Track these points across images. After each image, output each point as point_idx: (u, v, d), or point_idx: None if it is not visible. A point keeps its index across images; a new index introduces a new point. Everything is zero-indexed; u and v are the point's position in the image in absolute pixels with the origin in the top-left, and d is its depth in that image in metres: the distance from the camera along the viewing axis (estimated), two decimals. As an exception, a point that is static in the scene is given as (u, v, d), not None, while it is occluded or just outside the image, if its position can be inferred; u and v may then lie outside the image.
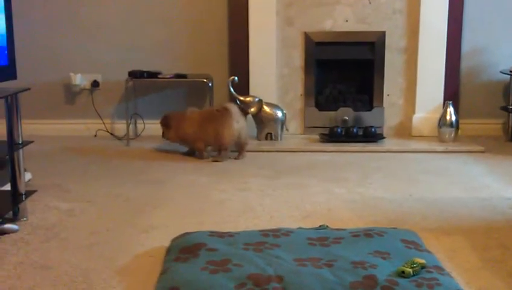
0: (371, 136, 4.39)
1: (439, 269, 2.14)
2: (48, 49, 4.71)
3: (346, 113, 4.59)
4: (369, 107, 4.64)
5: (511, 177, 3.59)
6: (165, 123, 4.14)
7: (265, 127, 4.42)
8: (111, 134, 4.70)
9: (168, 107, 4.73)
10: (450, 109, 4.38)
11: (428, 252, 2.31)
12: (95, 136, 4.73)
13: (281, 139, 4.45)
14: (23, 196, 2.93)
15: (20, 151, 2.91)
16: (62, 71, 4.72)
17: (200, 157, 4.03)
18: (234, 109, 4.00)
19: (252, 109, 4.38)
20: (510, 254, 2.45)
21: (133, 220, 2.87)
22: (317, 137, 4.47)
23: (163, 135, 4.20)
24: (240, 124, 3.99)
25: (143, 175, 3.65)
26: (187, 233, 2.51)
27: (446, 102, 4.42)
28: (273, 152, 4.22)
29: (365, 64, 4.66)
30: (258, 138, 4.46)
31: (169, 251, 2.36)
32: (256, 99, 4.38)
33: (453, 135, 4.38)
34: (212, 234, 2.46)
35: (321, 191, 3.31)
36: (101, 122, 4.73)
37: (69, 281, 2.21)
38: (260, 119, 4.41)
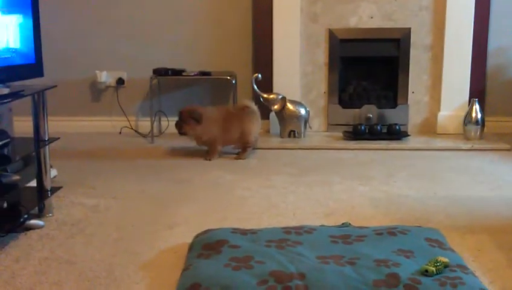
0: (395, 133, 4.36)
1: (463, 268, 2.12)
2: (74, 47, 4.77)
3: (370, 111, 4.56)
4: (394, 104, 4.61)
5: (539, 175, 3.54)
6: (197, 117, 3.87)
7: (289, 124, 4.42)
8: (135, 131, 4.74)
9: (192, 104, 4.76)
10: (476, 107, 4.32)
11: (452, 251, 2.28)
12: (120, 133, 4.77)
13: (304, 137, 4.44)
14: (49, 192, 2.97)
15: (46, 148, 2.94)
16: (88, 69, 4.77)
17: (211, 158, 3.93)
18: (254, 106, 4.00)
19: (276, 106, 4.38)
20: (537, 254, 2.42)
21: (157, 216, 2.89)
22: (341, 135, 4.45)
23: (182, 129, 3.91)
24: (259, 122, 4.01)
25: (167, 172, 3.67)
26: (210, 230, 2.52)
27: (472, 99, 4.37)
28: (296, 149, 4.21)
29: (390, 62, 4.63)
30: (281, 135, 4.45)
31: (192, 247, 2.37)
32: (280, 97, 4.38)
33: (478, 132, 4.32)
34: (235, 231, 2.47)
35: (344, 189, 3.29)
36: (126, 119, 4.77)
37: (93, 276, 2.23)
38: (283, 116, 4.41)
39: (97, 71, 4.75)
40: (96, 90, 4.83)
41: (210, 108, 4.07)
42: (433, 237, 2.38)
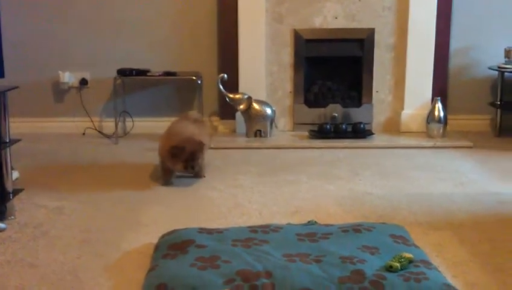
0: (359, 132, 4.40)
1: (427, 263, 2.15)
2: (36, 48, 4.69)
3: (335, 110, 4.60)
4: (358, 103, 4.65)
5: (499, 172, 3.61)
6: (203, 149, 3.38)
7: (255, 124, 4.42)
8: (99, 132, 4.68)
9: (157, 105, 4.73)
10: (439, 105, 4.39)
11: (416, 246, 2.32)
12: (84, 134, 4.70)
13: (270, 136, 4.45)
14: (11, 194, 2.91)
15: (8, 149, 2.89)
16: (50, 69, 4.69)
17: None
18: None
19: (241, 106, 4.38)
20: (498, 248, 2.47)
21: (122, 218, 2.86)
22: (307, 134, 4.48)
23: (197, 166, 3.35)
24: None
25: (132, 173, 3.64)
26: (176, 230, 2.50)
27: (434, 98, 4.44)
28: (263, 149, 4.22)
29: (354, 61, 4.67)
30: (247, 135, 4.45)
31: (157, 247, 2.35)
32: (246, 97, 4.38)
33: (441, 130, 4.39)
34: (201, 230, 2.46)
35: (310, 188, 3.31)
36: (90, 120, 4.71)
37: (56, 279, 2.20)
38: (249, 116, 4.41)
39: (60, 72, 4.67)
40: (59, 91, 4.76)
41: (186, 125, 3.56)
42: (398, 233, 2.41)
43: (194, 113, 3.85)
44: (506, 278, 2.19)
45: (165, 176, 3.39)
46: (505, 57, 4.51)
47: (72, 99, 4.76)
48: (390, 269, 2.05)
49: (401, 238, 2.36)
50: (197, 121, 3.68)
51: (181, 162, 3.23)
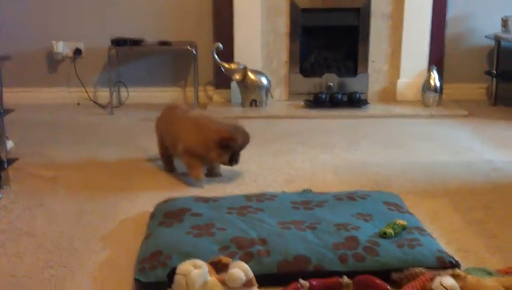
0: (355, 102, 4.39)
1: (421, 230, 2.16)
2: (30, 17, 4.63)
3: (330, 80, 4.58)
4: (354, 73, 4.63)
5: (494, 140, 3.62)
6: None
7: (250, 94, 4.40)
8: (94, 102, 4.66)
9: (152, 75, 4.70)
10: (434, 74, 4.38)
11: (410, 213, 2.33)
12: (78, 104, 4.68)
13: (265, 106, 4.44)
14: (5, 163, 2.91)
15: (2, 119, 2.88)
16: (44, 39, 4.64)
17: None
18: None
19: (237, 76, 4.36)
20: (492, 215, 2.48)
21: (118, 186, 2.86)
22: (302, 103, 4.46)
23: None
24: None
25: (127, 143, 3.63)
26: (171, 198, 2.51)
27: (430, 67, 4.42)
28: (258, 119, 4.21)
29: (350, 31, 4.64)
30: (242, 105, 4.44)
31: (153, 215, 2.36)
32: (241, 66, 4.35)
33: (437, 99, 4.39)
34: (197, 199, 2.47)
35: (306, 157, 3.31)
36: (84, 90, 4.68)
37: (53, 247, 2.21)
38: (245, 86, 4.39)
39: (53, 42, 4.63)
40: (53, 61, 4.72)
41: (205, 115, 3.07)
42: (392, 200, 2.42)
43: (181, 104, 3.27)
44: (499, 244, 2.21)
45: (168, 164, 3.08)
46: (502, 25, 4.48)
47: (66, 69, 4.72)
48: (384, 235, 2.06)
49: (395, 205, 2.37)
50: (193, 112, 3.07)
51: (228, 155, 2.78)
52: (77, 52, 4.66)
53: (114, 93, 4.56)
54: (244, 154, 3.34)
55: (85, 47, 4.67)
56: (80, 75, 4.67)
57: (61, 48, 4.65)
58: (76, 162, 3.25)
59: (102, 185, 2.89)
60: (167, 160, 3.09)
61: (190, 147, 2.82)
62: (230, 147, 2.77)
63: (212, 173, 2.97)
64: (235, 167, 2.93)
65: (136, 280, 1.91)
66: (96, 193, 2.78)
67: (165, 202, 2.48)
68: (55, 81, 4.73)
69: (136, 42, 4.42)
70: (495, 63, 4.55)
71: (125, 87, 4.67)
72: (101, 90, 4.68)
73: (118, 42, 4.39)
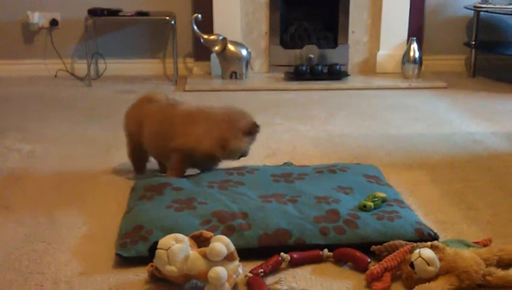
0: (335, 73, 4.39)
1: (400, 202, 2.19)
2: (3, -14, 4.53)
3: (311, 51, 4.56)
4: (334, 44, 4.62)
5: (473, 112, 3.65)
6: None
7: (230, 65, 4.37)
8: (72, 74, 4.59)
9: (130, 47, 4.64)
10: (414, 46, 4.38)
11: (389, 186, 2.35)
12: (56, 76, 4.61)
13: (246, 78, 4.41)
14: (-18, 138, 2.87)
15: (-23, 92, 2.83)
16: (19, 10, 4.54)
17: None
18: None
19: (216, 48, 4.32)
20: (471, 187, 2.52)
21: (97, 160, 2.84)
22: (282, 75, 4.45)
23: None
24: None
25: (106, 115, 3.59)
26: (152, 171, 2.50)
27: (410, 38, 4.42)
28: (238, 91, 4.19)
29: (331, 1, 4.61)
30: (222, 76, 4.41)
31: (134, 189, 2.35)
32: (221, 38, 4.31)
33: (416, 71, 4.40)
34: (178, 173, 2.45)
35: (286, 130, 3.31)
36: (61, 62, 4.60)
37: (33, 222, 2.19)
38: (224, 57, 4.36)
39: (29, 12, 4.53)
40: (29, 32, 4.62)
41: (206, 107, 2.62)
42: (371, 173, 2.44)
43: (157, 95, 2.65)
44: (476, 215, 2.25)
45: (139, 165, 2.65)
46: (481, -4, 4.49)
47: (43, 40, 4.64)
48: (364, 208, 2.08)
49: (375, 178, 2.39)
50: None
51: (249, 143, 2.50)
52: (53, 22, 4.58)
53: (92, 65, 4.50)
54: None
55: (61, 17, 4.59)
56: (56, 46, 4.59)
57: (37, 18, 4.56)
58: (55, 135, 3.21)
59: (82, 159, 2.86)
60: (139, 161, 2.63)
61: (199, 144, 2.40)
62: (255, 133, 2.48)
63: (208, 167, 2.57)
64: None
65: (118, 255, 1.91)
66: (76, 167, 2.75)
67: (146, 177, 2.47)
68: (31, 53, 4.65)
69: (114, 12, 4.35)
70: (474, 34, 4.57)
71: (103, 58, 4.61)
72: (78, 62, 4.61)
73: (95, 12, 4.32)
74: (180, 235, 1.77)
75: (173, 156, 2.44)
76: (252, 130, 2.45)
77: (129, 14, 4.34)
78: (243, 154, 2.48)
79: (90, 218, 2.23)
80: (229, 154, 2.44)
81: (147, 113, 2.52)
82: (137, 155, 2.61)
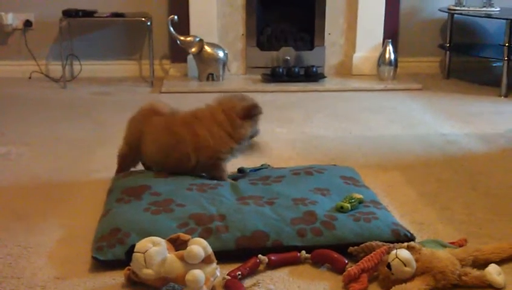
0: (312, 75, 4.41)
1: (376, 203, 2.20)
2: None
3: (287, 53, 4.57)
4: (311, 46, 4.64)
5: (448, 113, 3.70)
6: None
7: (207, 67, 4.37)
8: (46, 76, 4.54)
9: (105, 48, 4.61)
10: (389, 48, 4.42)
11: (366, 187, 2.37)
12: (30, 78, 4.55)
13: (222, 80, 4.41)
14: (-45, 141, 2.82)
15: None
16: (-9, 10, 4.49)
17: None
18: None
19: (193, 49, 4.31)
20: (445, 187, 2.55)
21: (74, 162, 2.81)
22: (259, 77, 4.45)
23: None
24: None
25: (81, 117, 3.56)
26: (130, 172, 2.47)
27: (386, 41, 4.46)
28: (215, 93, 4.15)
29: (307, 3, 4.63)
30: (199, 78, 4.40)
31: (111, 190, 2.32)
32: (197, 39, 4.30)
33: (391, 73, 4.44)
34: (158, 175, 2.41)
35: (263, 131, 3.28)
36: (36, 63, 4.55)
37: (7, 226, 2.16)
38: (201, 59, 4.35)
39: (2, 13, 4.48)
40: (2, 33, 4.56)
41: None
42: (348, 174, 2.45)
43: (159, 106, 2.58)
44: (451, 216, 2.27)
45: (124, 169, 2.54)
46: (455, -2, 4.55)
47: (16, 42, 4.58)
48: (341, 209, 2.09)
49: (352, 179, 2.40)
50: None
51: (253, 125, 2.43)
52: (27, 23, 4.53)
53: (66, 66, 4.46)
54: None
55: (35, 18, 4.54)
56: (30, 47, 4.54)
57: (11, 19, 4.51)
58: (29, 137, 3.17)
59: (58, 160, 2.83)
60: (127, 167, 2.55)
61: (218, 146, 2.36)
62: (256, 114, 2.42)
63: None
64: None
65: (94, 258, 1.89)
66: (51, 168, 2.72)
67: (124, 176, 2.44)
68: (4, 54, 4.59)
69: (89, 13, 4.31)
70: (448, 36, 4.63)
71: (78, 60, 4.56)
72: (53, 64, 4.57)
73: (69, 13, 4.28)
74: (157, 238, 1.76)
75: (213, 169, 2.40)
76: (250, 113, 2.40)
77: (104, 16, 4.31)
78: (254, 135, 2.45)
79: (67, 221, 2.20)
80: (240, 142, 2.40)
81: (149, 124, 2.45)
82: (128, 162, 2.54)
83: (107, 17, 4.32)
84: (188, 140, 2.36)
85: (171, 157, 2.40)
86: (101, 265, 1.88)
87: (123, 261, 1.78)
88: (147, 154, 2.48)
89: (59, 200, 2.39)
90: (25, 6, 4.51)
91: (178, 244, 1.80)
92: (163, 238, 1.79)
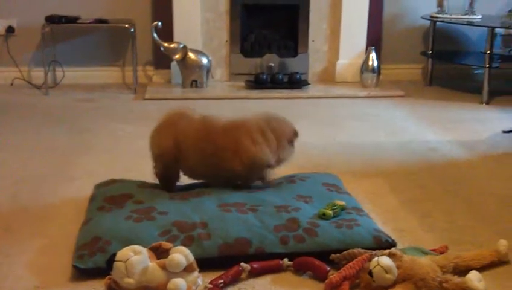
0: (295, 82, 4.42)
1: (359, 210, 2.21)
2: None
3: (271, 60, 4.58)
4: (295, 53, 4.65)
5: (430, 120, 3.72)
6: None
7: (191, 74, 4.36)
8: (28, 82, 4.50)
9: (88, 54, 4.58)
10: (372, 55, 4.45)
11: (349, 194, 2.38)
12: (12, 84, 4.51)
13: (206, 87, 4.40)
14: None
15: None
16: (-27, 16, 4.45)
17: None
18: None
19: (177, 56, 4.30)
20: (427, 194, 2.56)
21: (55, 169, 2.79)
22: (243, 84, 4.46)
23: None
24: None
25: (64, 124, 3.54)
26: (113, 180, 2.45)
27: (368, 48, 4.49)
28: (199, 100, 4.18)
29: (291, 10, 4.64)
30: (183, 85, 4.39)
31: (93, 198, 2.31)
32: (181, 46, 4.30)
33: (374, 80, 4.46)
34: (141, 185, 2.40)
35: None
36: (18, 70, 4.51)
37: (-14, 234, 2.14)
38: (185, 66, 4.34)
39: (-16, 19, 4.44)
40: (-16, 39, 4.53)
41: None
42: (331, 181, 2.46)
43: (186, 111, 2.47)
44: (432, 223, 2.29)
45: (171, 185, 2.39)
46: (437, 6, 4.58)
47: (-2, 48, 4.54)
48: (323, 216, 2.10)
49: (334, 186, 2.41)
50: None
51: (292, 152, 2.45)
52: (9, 29, 4.49)
53: (49, 73, 4.43)
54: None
55: (18, 24, 4.50)
56: (13, 54, 4.50)
57: (-8, 25, 4.47)
58: (12, 143, 3.14)
59: (40, 167, 2.81)
60: (172, 181, 2.39)
61: (263, 154, 2.32)
62: (295, 140, 2.45)
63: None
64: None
65: (75, 267, 1.88)
66: (33, 176, 2.70)
67: (107, 184, 2.42)
68: (-14, 61, 4.55)
69: (72, 20, 4.29)
70: (430, 43, 4.66)
71: (61, 66, 4.54)
72: (35, 70, 4.53)
73: (52, 19, 4.25)
74: (138, 247, 1.75)
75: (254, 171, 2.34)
76: (295, 138, 2.43)
77: (88, 22, 4.29)
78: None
79: (47, 229, 2.19)
80: (280, 164, 2.38)
81: (183, 131, 2.32)
82: (170, 175, 2.37)
83: (90, 23, 4.30)
84: (230, 148, 2.29)
85: (212, 167, 2.31)
86: (81, 274, 1.87)
87: (104, 270, 1.77)
88: (188, 164, 2.33)
89: (40, 208, 2.36)
90: (7, 12, 4.47)
91: (160, 253, 1.79)
92: (145, 246, 1.78)
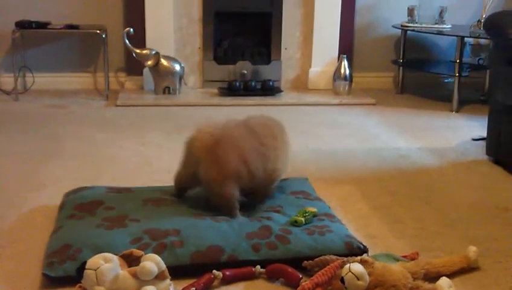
0: (268, 89, 4.43)
1: (330, 216, 2.22)
2: None
3: (244, 67, 4.59)
4: (267, 60, 4.67)
5: (401, 128, 3.77)
6: None
7: (163, 80, 4.34)
8: (-2, 88, 4.44)
9: (59, 60, 4.53)
10: (344, 63, 4.48)
11: (319, 200, 2.38)
12: (-19, 90, 4.45)
13: (179, 93, 4.39)
14: None
15: None
16: None
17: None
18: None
19: (149, 62, 4.28)
20: (397, 201, 2.59)
21: (24, 176, 2.74)
22: (216, 91, 4.45)
23: None
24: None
25: (35, 130, 3.49)
26: (83, 188, 2.43)
27: (341, 56, 4.53)
28: (172, 106, 4.16)
29: (264, 17, 4.66)
30: (155, 92, 4.37)
31: (62, 207, 2.28)
32: (153, 52, 4.28)
33: (347, 88, 4.50)
34: (110, 190, 2.39)
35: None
36: (-13, 75, 4.45)
37: (-47, 243, 2.09)
38: (157, 72, 4.32)
39: (-49, 23, 4.36)
40: (-48, 44, 4.45)
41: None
42: (299, 188, 2.46)
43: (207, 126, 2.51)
44: (404, 229, 2.31)
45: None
46: (408, 15, 4.65)
47: (-34, 53, 4.47)
48: (295, 223, 2.10)
49: (302, 193, 2.42)
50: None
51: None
52: (-22, 34, 4.42)
53: (19, 78, 4.36)
54: (156, 143, 3.31)
55: (-13, 29, 4.44)
56: (-19, 59, 4.43)
57: (-40, 29, 4.39)
58: (-22, 151, 3.09)
59: (7, 173, 2.76)
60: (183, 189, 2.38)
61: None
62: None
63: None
64: (148, 155, 2.87)
65: (44, 275, 1.85)
66: (1, 183, 2.65)
67: (76, 191, 2.39)
68: (-46, 65, 4.47)
69: (42, 25, 4.24)
70: (401, 52, 4.72)
71: (31, 72, 4.48)
72: (4, 76, 4.46)
73: (22, 25, 4.20)
74: (109, 255, 1.74)
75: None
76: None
77: (58, 27, 4.25)
78: None
79: (16, 237, 2.15)
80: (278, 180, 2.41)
81: (245, 148, 2.29)
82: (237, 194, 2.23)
83: (61, 29, 4.26)
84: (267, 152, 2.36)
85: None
86: (51, 282, 1.84)
87: (74, 278, 1.74)
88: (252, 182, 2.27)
89: (7, 215, 2.32)
90: (-25, 17, 4.41)
91: (131, 261, 1.77)
92: (117, 253, 1.76)
